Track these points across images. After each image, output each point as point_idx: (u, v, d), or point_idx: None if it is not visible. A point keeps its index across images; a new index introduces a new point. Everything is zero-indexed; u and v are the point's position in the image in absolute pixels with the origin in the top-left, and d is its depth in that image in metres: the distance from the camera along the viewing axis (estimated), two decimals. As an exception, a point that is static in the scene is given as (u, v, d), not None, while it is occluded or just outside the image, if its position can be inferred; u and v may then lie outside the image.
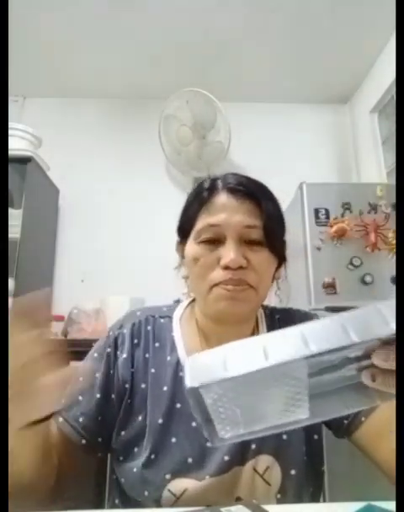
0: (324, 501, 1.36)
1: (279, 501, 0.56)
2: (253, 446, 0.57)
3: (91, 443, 0.58)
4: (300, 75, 2.37)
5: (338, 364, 0.29)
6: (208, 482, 0.55)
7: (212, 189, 0.62)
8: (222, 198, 0.60)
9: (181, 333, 0.65)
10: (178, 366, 0.61)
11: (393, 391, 0.29)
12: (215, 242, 0.58)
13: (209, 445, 0.56)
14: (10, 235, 1.75)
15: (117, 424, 0.60)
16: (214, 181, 0.63)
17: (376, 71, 2.25)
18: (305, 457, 0.59)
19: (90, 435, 0.58)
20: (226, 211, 0.58)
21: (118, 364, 0.62)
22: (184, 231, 0.64)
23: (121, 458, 0.59)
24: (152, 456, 0.56)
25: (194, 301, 0.70)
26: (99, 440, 0.59)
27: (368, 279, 1.61)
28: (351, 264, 1.63)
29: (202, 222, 0.59)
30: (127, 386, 0.60)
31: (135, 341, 0.64)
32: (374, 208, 1.70)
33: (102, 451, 0.61)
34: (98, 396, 0.60)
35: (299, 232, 1.70)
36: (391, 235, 1.66)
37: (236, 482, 0.56)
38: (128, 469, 0.58)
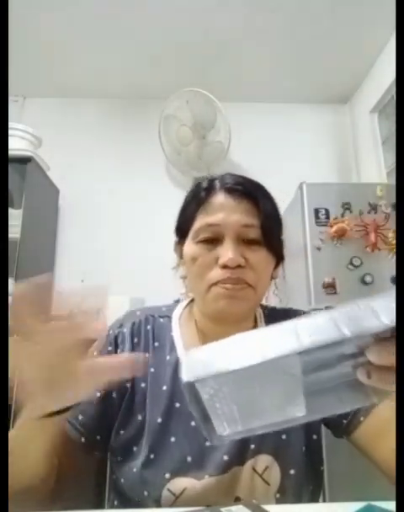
0: (324, 501, 1.36)
1: (279, 501, 0.56)
2: (252, 446, 0.58)
3: (89, 441, 0.58)
4: (300, 75, 2.37)
5: (334, 361, 0.29)
6: (207, 482, 0.55)
7: (210, 189, 0.62)
8: (220, 198, 0.60)
9: (180, 332, 0.65)
10: (177, 366, 0.62)
11: (388, 387, 0.29)
12: (214, 241, 0.58)
13: (208, 444, 0.56)
14: (10, 235, 1.75)
15: (117, 422, 0.60)
16: (211, 181, 0.63)
17: (376, 71, 2.25)
18: (305, 457, 0.59)
19: (89, 433, 0.58)
20: (224, 211, 0.59)
21: None
22: (182, 231, 0.64)
23: (120, 458, 0.59)
24: (151, 456, 0.56)
25: (192, 301, 0.70)
26: (98, 438, 0.59)
27: (368, 279, 1.61)
28: (351, 263, 1.63)
29: (200, 222, 0.60)
30: (128, 384, 0.61)
31: (135, 340, 0.64)
32: (374, 208, 1.70)
33: (100, 450, 0.61)
34: (98, 394, 0.60)
35: (299, 232, 1.70)
36: (391, 235, 1.66)
37: (236, 482, 0.56)
38: (127, 469, 0.58)
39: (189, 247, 0.61)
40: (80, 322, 0.37)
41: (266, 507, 0.44)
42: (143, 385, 0.61)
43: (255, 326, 0.67)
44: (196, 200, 0.62)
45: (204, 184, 0.63)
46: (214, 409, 0.31)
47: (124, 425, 0.60)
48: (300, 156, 2.48)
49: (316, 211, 1.69)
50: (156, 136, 2.29)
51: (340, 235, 1.65)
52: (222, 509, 0.43)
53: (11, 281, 1.74)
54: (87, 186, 2.39)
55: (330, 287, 1.60)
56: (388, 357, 0.28)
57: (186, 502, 0.54)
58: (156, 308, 0.71)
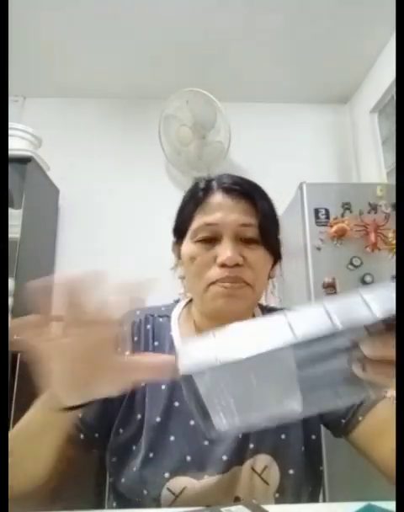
0: (324, 501, 1.36)
1: (278, 500, 0.56)
2: (251, 446, 0.58)
3: (88, 438, 0.58)
4: (300, 75, 2.37)
5: (329, 355, 0.29)
6: (206, 482, 0.55)
7: (207, 189, 0.63)
8: (218, 197, 0.61)
9: (179, 332, 0.66)
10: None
11: (384, 381, 0.29)
12: (212, 240, 0.59)
13: (206, 443, 0.56)
14: (10, 235, 1.75)
15: (117, 421, 0.60)
16: (209, 182, 0.64)
17: (376, 71, 2.25)
18: (304, 457, 0.59)
19: (88, 430, 0.58)
20: (222, 210, 0.59)
21: None
22: (180, 231, 0.64)
23: (120, 457, 0.59)
24: (150, 455, 0.56)
25: (191, 301, 0.70)
26: (96, 435, 0.59)
27: (368, 279, 1.61)
28: (351, 263, 1.63)
29: (198, 221, 0.60)
30: None
31: (135, 339, 0.64)
32: (374, 208, 1.70)
33: (97, 448, 0.61)
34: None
35: (299, 232, 1.70)
36: (391, 235, 1.66)
37: (235, 482, 0.56)
38: (127, 468, 0.58)
39: (188, 246, 0.61)
40: (117, 319, 0.37)
41: (266, 507, 0.44)
42: (143, 384, 0.61)
43: None
44: (194, 200, 0.63)
45: (202, 185, 0.64)
46: (211, 402, 0.31)
47: (124, 424, 0.60)
48: (300, 156, 2.47)
49: (316, 211, 1.69)
50: (156, 136, 2.29)
51: (340, 235, 1.65)
52: (222, 510, 0.43)
53: (11, 281, 1.74)
54: (87, 186, 2.39)
55: (330, 287, 1.60)
56: (382, 350, 0.28)
57: (185, 501, 0.54)
58: (155, 308, 0.71)
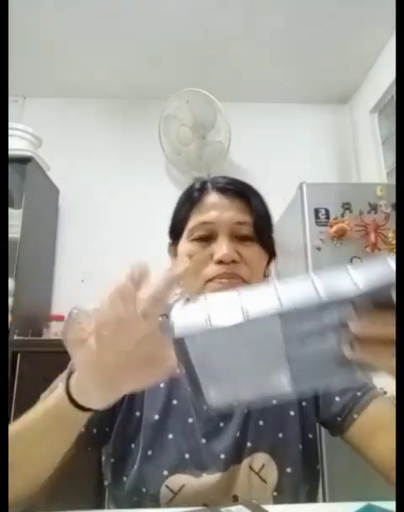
0: (324, 501, 1.36)
1: (276, 498, 0.56)
2: (249, 444, 0.58)
3: (86, 434, 0.58)
4: (300, 75, 2.37)
5: (318, 333, 0.29)
6: (205, 480, 0.56)
7: (202, 189, 0.65)
8: (213, 197, 0.63)
9: None
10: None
11: (371, 360, 0.29)
12: (208, 239, 0.60)
13: (204, 441, 0.56)
14: (10, 235, 1.75)
15: (118, 419, 0.60)
16: (204, 183, 0.66)
17: (376, 71, 2.25)
18: (301, 455, 0.60)
19: (88, 425, 0.58)
20: (218, 209, 0.61)
21: None
22: (176, 231, 0.66)
23: (119, 457, 0.60)
24: (149, 452, 0.57)
25: (188, 301, 0.70)
26: (94, 431, 0.59)
27: (368, 279, 1.61)
28: (351, 264, 1.63)
29: (194, 221, 0.62)
30: None
31: None
32: (374, 208, 1.70)
33: (93, 445, 0.61)
34: None
35: (299, 232, 1.70)
36: (391, 235, 1.65)
37: (233, 480, 0.57)
38: (127, 467, 0.58)
39: (184, 245, 0.62)
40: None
41: (266, 507, 0.44)
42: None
43: None
44: (189, 201, 0.64)
45: (197, 185, 0.66)
46: (203, 371, 0.32)
47: (125, 422, 0.60)
48: (300, 156, 2.47)
49: (316, 211, 1.69)
50: (156, 135, 2.29)
51: (340, 235, 1.65)
52: (222, 510, 0.43)
53: (11, 281, 1.74)
54: (87, 186, 2.39)
55: (330, 287, 1.59)
56: (370, 328, 0.28)
57: (184, 499, 0.54)
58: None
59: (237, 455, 0.58)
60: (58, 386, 0.44)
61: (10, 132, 1.92)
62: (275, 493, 0.57)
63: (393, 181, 2.05)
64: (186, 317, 0.31)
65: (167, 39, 2.07)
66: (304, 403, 0.63)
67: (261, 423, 0.60)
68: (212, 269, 0.58)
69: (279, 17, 1.94)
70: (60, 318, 1.94)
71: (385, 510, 0.43)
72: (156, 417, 0.59)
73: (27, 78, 2.34)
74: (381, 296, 0.27)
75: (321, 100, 2.59)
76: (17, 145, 1.92)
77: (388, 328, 0.28)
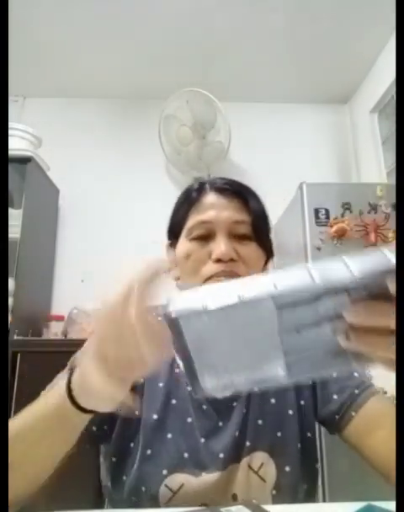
0: (324, 501, 1.36)
1: (275, 497, 0.57)
2: (248, 443, 0.59)
3: (86, 431, 0.58)
4: (300, 75, 2.37)
5: (313, 323, 0.29)
6: (204, 479, 0.56)
7: (200, 189, 0.66)
8: (211, 197, 0.64)
9: None
10: (173, 363, 0.63)
11: (367, 349, 0.29)
12: (206, 238, 0.61)
13: (203, 440, 0.56)
14: (10, 235, 1.75)
15: (118, 420, 0.60)
16: (202, 183, 0.67)
17: (376, 71, 2.25)
18: (300, 454, 0.60)
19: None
20: (216, 209, 0.62)
21: None
22: (174, 231, 0.66)
23: (119, 456, 0.60)
24: (148, 452, 0.57)
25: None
26: (94, 429, 0.59)
27: (368, 279, 1.61)
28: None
29: (193, 220, 0.63)
30: None
31: None
32: (374, 208, 1.70)
33: (92, 443, 0.61)
34: None
35: (299, 232, 1.70)
36: (391, 235, 1.66)
37: (232, 479, 0.57)
38: (127, 466, 0.58)
39: (183, 245, 0.63)
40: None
41: (266, 507, 0.44)
42: (141, 380, 0.61)
43: None
44: (188, 201, 0.65)
45: (195, 186, 0.67)
46: (198, 357, 0.32)
47: (125, 422, 0.60)
48: (300, 156, 2.47)
49: (316, 211, 1.69)
50: (156, 135, 2.29)
51: (340, 235, 1.65)
52: (222, 510, 0.43)
53: (11, 281, 1.74)
54: (87, 186, 2.39)
55: (330, 287, 1.59)
56: (365, 317, 0.28)
57: (183, 498, 0.54)
58: (152, 308, 0.71)
59: (236, 454, 0.58)
60: (58, 383, 0.44)
61: (10, 132, 1.92)
62: (274, 492, 0.57)
63: (393, 181, 2.05)
64: (182, 300, 0.31)
65: (167, 39, 2.07)
66: (302, 402, 0.63)
67: (260, 422, 0.60)
68: (211, 268, 0.59)
69: (279, 17, 1.94)
70: (60, 318, 1.94)
71: (385, 510, 0.43)
72: (156, 416, 0.59)
73: (27, 78, 2.34)
74: (377, 286, 0.27)
75: (321, 100, 2.59)
76: (17, 145, 1.92)
77: (384, 319, 0.28)
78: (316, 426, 0.65)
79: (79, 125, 2.49)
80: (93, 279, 2.20)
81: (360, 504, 0.44)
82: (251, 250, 0.61)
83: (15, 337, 1.68)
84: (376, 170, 2.26)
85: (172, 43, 2.10)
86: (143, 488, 0.55)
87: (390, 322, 0.27)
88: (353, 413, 0.59)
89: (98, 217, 2.35)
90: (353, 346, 0.29)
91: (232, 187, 0.64)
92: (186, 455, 0.57)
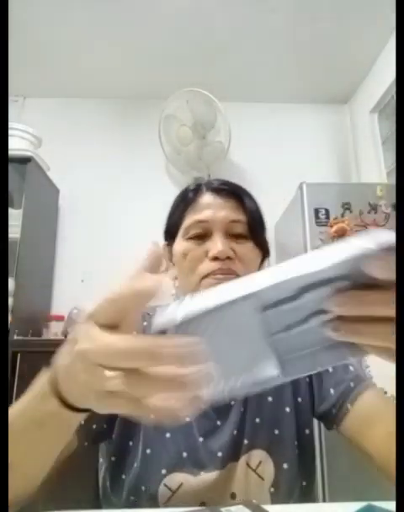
0: (324, 501, 1.36)
1: (273, 495, 0.57)
2: (246, 442, 0.59)
3: (86, 429, 0.57)
4: (300, 75, 2.37)
5: (301, 319, 0.29)
6: (203, 478, 0.56)
7: (197, 190, 0.67)
8: (207, 197, 0.65)
9: None
10: None
11: (358, 339, 0.29)
12: (203, 237, 0.62)
13: (201, 440, 0.56)
14: (10, 235, 1.75)
15: (118, 420, 0.60)
16: (198, 184, 0.68)
17: (376, 71, 2.25)
18: (297, 451, 0.60)
19: (86, 420, 0.58)
20: (212, 208, 0.63)
21: None
22: (171, 232, 0.67)
23: (119, 456, 0.60)
24: (147, 451, 0.57)
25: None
26: (94, 427, 0.59)
27: (368, 279, 1.61)
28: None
29: (189, 220, 0.64)
30: None
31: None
32: (374, 208, 1.70)
33: (90, 441, 0.60)
34: None
35: (299, 231, 1.70)
36: (391, 235, 1.66)
37: (231, 478, 0.57)
38: (125, 465, 0.58)
39: (180, 244, 0.64)
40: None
41: (265, 507, 0.44)
42: None
43: None
44: (184, 201, 0.67)
45: (192, 187, 0.68)
46: None
47: (125, 422, 0.60)
48: (300, 156, 2.47)
49: (316, 211, 1.69)
50: (156, 135, 2.29)
51: (340, 235, 1.65)
52: (222, 509, 0.43)
53: (11, 281, 1.74)
54: (87, 186, 2.39)
55: (330, 287, 1.60)
56: (351, 306, 0.28)
57: (182, 497, 0.55)
58: (151, 308, 0.71)
59: (234, 452, 0.58)
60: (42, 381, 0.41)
61: (10, 132, 1.92)
62: (272, 490, 0.57)
63: (393, 181, 2.05)
64: (167, 310, 0.32)
65: (167, 39, 2.07)
66: (299, 399, 0.64)
67: (257, 420, 0.61)
68: (207, 266, 0.59)
69: (279, 17, 1.94)
70: (60, 318, 1.94)
71: (385, 510, 0.43)
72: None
73: (27, 78, 2.34)
74: (356, 273, 0.27)
75: (321, 100, 2.59)
76: (17, 145, 1.92)
77: (369, 307, 0.28)
78: (314, 423, 0.65)
79: (79, 125, 2.50)
80: (92, 279, 2.21)
81: (360, 504, 0.44)
82: (247, 249, 0.62)
83: (15, 337, 1.68)
84: (376, 170, 2.26)
85: (172, 43, 2.10)
86: (142, 488, 0.56)
87: (376, 310, 0.27)
88: (349, 406, 0.59)
89: (98, 217, 2.35)
90: (343, 337, 0.29)
91: (228, 187, 0.66)
92: (185, 454, 0.57)
